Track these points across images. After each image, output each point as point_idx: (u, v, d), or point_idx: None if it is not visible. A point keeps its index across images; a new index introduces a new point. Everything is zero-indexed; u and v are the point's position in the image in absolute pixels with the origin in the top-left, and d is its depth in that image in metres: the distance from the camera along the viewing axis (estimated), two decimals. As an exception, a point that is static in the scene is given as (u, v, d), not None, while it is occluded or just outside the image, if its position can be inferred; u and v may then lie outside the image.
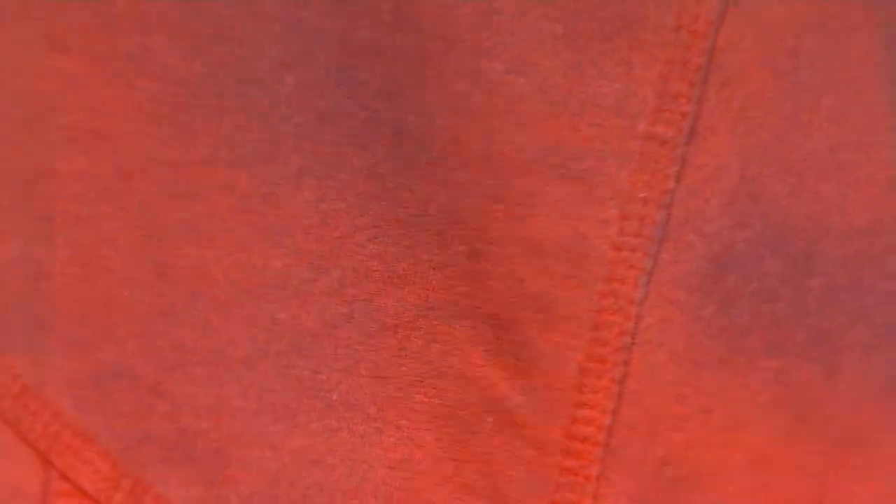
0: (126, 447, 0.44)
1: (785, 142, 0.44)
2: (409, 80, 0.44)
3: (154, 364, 0.43)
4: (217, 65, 0.43)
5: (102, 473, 0.44)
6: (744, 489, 0.44)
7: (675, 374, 0.44)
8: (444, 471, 0.46)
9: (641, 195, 0.43)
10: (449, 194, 0.44)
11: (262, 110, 0.43)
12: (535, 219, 0.44)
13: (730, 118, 0.44)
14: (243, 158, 0.43)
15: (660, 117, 0.43)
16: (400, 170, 0.45)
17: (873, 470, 0.43)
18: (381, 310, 0.45)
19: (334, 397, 0.45)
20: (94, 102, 0.43)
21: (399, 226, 0.45)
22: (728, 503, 0.44)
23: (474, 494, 0.46)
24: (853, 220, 0.44)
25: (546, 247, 0.44)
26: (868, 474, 0.43)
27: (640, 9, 0.43)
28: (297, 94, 0.44)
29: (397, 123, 0.44)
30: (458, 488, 0.46)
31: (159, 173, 0.43)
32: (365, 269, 0.45)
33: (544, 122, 0.43)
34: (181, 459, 0.44)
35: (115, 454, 0.44)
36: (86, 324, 0.43)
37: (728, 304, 0.44)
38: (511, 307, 0.45)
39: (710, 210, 0.44)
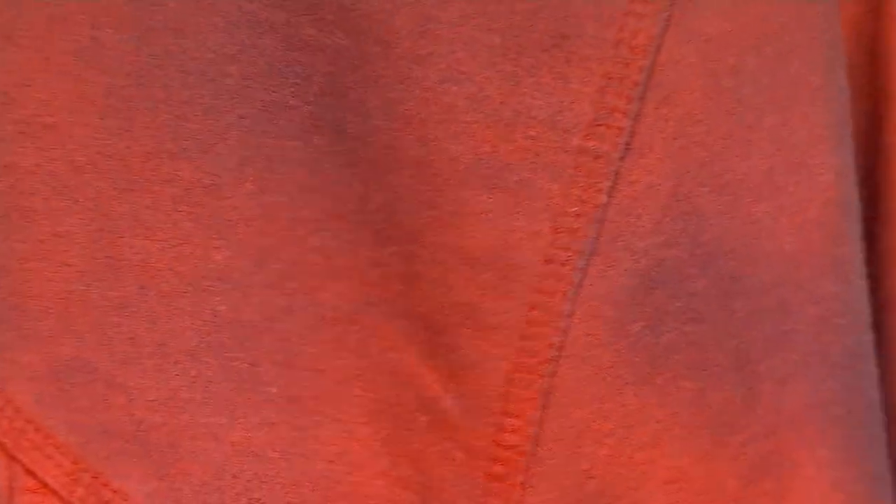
0: (85, 441, 0.44)
1: (721, 161, 0.44)
2: (350, 81, 0.44)
3: (109, 357, 0.44)
4: (163, 56, 0.44)
5: (64, 468, 0.44)
6: None
7: (599, 389, 0.44)
8: (381, 465, 0.47)
9: (573, 209, 0.44)
10: (385, 196, 0.45)
11: (205, 102, 0.44)
12: (466, 228, 0.44)
13: (666, 135, 0.43)
14: (187, 150, 0.44)
15: (595, 132, 0.43)
16: (342, 165, 0.45)
17: (786, 496, 0.43)
18: (320, 304, 0.46)
19: (273, 390, 0.46)
20: (46, 97, 0.44)
21: (340, 220, 0.45)
22: None
23: (409, 490, 0.47)
24: (783, 243, 0.44)
25: (476, 256, 0.44)
26: (781, 500, 0.43)
27: (579, 23, 0.43)
28: (240, 87, 0.44)
29: (339, 121, 0.44)
30: (394, 482, 0.47)
31: (109, 166, 0.44)
32: (305, 262, 0.46)
33: (478, 132, 0.43)
34: (138, 453, 0.44)
35: (76, 448, 0.44)
36: (45, 318, 0.44)
37: (654, 322, 0.44)
38: (441, 312, 0.45)
39: (641, 227, 0.44)
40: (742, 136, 0.43)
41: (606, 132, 0.43)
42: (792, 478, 0.43)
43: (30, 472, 0.44)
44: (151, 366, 0.44)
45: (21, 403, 0.44)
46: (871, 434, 0.44)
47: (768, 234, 0.43)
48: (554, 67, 0.43)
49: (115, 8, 0.43)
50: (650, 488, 0.44)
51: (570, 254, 0.43)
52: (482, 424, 0.45)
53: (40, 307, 0.44)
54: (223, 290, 0.45)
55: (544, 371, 0.44)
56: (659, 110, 0.43)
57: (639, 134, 0.43)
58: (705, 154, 0.43)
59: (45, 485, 0.44)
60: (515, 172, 0.43)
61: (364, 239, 0.45)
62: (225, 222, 0.44)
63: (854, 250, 0.44)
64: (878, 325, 0.48)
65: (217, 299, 0.45)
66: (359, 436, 0.46)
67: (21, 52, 0.44)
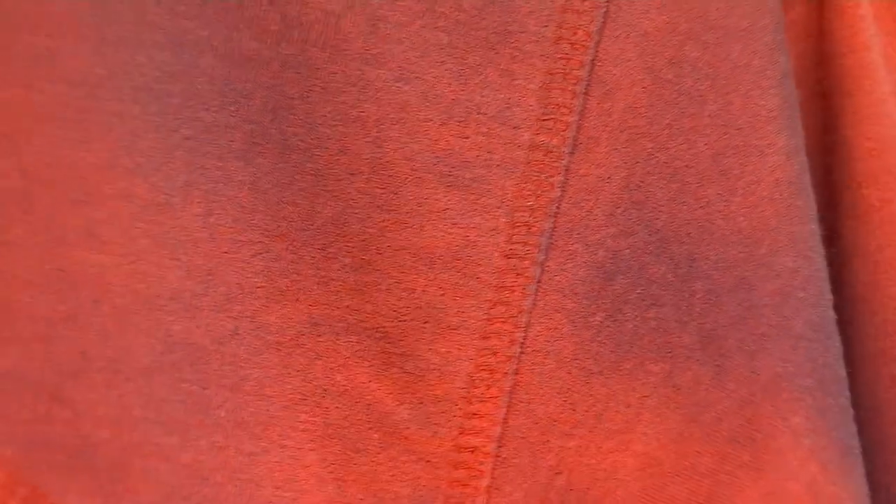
0: (25, 454, 0.43)
1: (667, 149, 0.44)
2: (296, 91, 0.44)
3: (56, 370, 0.43)
4: (117, 68, 0.43)
5: None
6: (635, 494, 0.44)
7: (564, 382, 0.44)
8: (328, 491, 0.46)
9: (528, 203, 0.44)
10: (336, 206, 0.44)
11: (154, 119, 0.43)
12: (424, 227, 0.44)
13: (611, 128, 0.44)
14: (140, 166, 0.43)
15: (543, 127, 0.44)
16: (284, 184, 0.45)
17: (763, 466, 0.43)
18: (264, 327, 0.45)
19: (222, 414, 0.45)
20: None
21: (283, 241, 0.45)
22: None
23: None
24: (737, 223, 0.44)
25: (435, 255, 0.44)
26: (758, 471, 0.43)
27: (520, 20, 0.44)
28: (183, 107, 0.44)
29: (282, 136, 0.44)
30: None
31: (63, 177, 0.43)
32: (250, 285, 0.45)
33: (433, 129, 0.43)
34: (81, 468, 0.43)
35: (13, 460, 0.43)
36: None
37: (615, 310, 0.44)
38: (399, 318, 0.44)
39: (594, 219, 0.44)
40: (686, 124, 0.44)
41: (554, 127, 0.44)
42: (767, 448, 0.43)
43: None
44: (101, 381, 0.43)
45: None
46: (841, 406, 0.45)
47: (721, 216, 0.44)
48: (499, 64, 0.44)
49: (73, 18, 0.42)
50: (622, 477, 0.44)
51: (528, 248, 0.44)
52: (443, 430, 0.44)
53: None
54: (176, 311, 0.44)
55: (507, 369, 0.44)
56: (602, 105, 0.44)
57: (585, 128, 0.44)
58: (651, 144, 0.44)
59: None
60: (471, 169, 0.44)
61: (309, 257, 0.45)
62: (178, 242, 0.44)
63: (810, 227, 0.45)
64: (845, 322, 0.49)
65: (170, 319, 0.44)
66: (305, 462, 0.45)
67: None
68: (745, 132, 0.45)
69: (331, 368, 0.45)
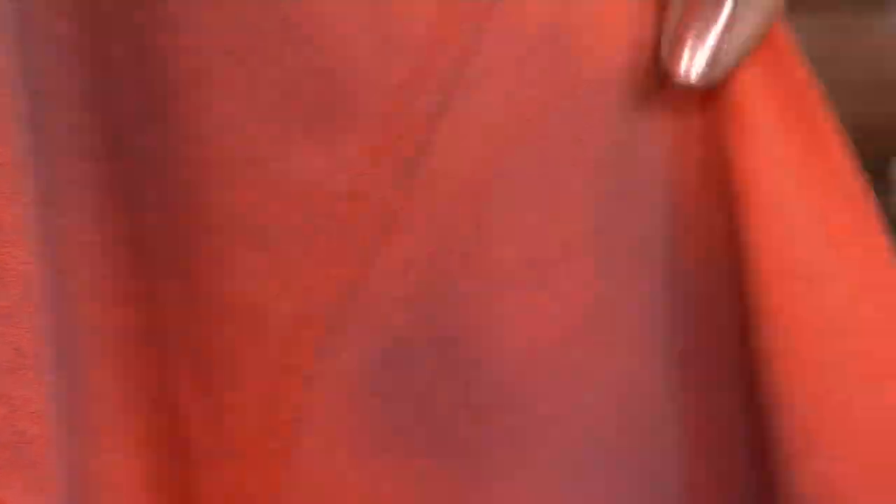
0: None
1: (480, 246, 0.44)
2: (149, 109, 0.44)
3: None
4: (5, 67, 0.44)
5: None
6: None
7: (338, 460, 0.44)
8: (147, 500, 0.47)
9: (327, 277, 0.44)
10: (171, 233, 0.45)
11: (31, 116, 0.44)
12: (222, 280, 0.44)
13: (433, 214, 0.44)
14: (27, 164, 0.44)
15: (359, 203, 0.43)
16: (138, 192, 0.45)
17: None
18: (104, 329, 0.46)
19: (76, 415, 0.46)
20: None
21: (130, 245, 0.46)
22: None
23: None
24: (531, 334, 0.44)
25: (229, 310, 0.44)
26: None
27: (354, 92, 0.43)
28: (51, 105, 0.44)
29: (141, 146, 0.45)
30: None
31: None
32: (96, 286, 0.46)
33: (245, 185, 0.43)
34: (20, 464, 0.44)
35: None
36: None
37: (395, 398, 0.44)
38: (205, 358, 0.45)
39: (392, 304, 0.44)
40: (508, 224, 0.43)
41: (371, 204, 0.43)
42: None
43: None
44: (32, 377, 0.44)
45: None
46: None
47: (518, 327, 0.43)
48: (324, 134, 0.43)
49: None
50: None
51: (318, 321, 0.44)
52: (230, 472, 0.45)
53: None
54: (49, 307, 0.44)
55: (287, 433, 0.44)
56: (428, 189, 0.43)
57: (405, 210, 0.43)
58: (466, 237, 0.43)
59: None
60: (275, 232, 0.44)
61: (147, 268, 0.45)
62: (45, 240, 0.45)
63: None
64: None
65: (50, 316, 0.44)
66: (128, 468, 0.46)
67: None
68: (559, 246, 0.44)
69: (161, 378, 0.46)
